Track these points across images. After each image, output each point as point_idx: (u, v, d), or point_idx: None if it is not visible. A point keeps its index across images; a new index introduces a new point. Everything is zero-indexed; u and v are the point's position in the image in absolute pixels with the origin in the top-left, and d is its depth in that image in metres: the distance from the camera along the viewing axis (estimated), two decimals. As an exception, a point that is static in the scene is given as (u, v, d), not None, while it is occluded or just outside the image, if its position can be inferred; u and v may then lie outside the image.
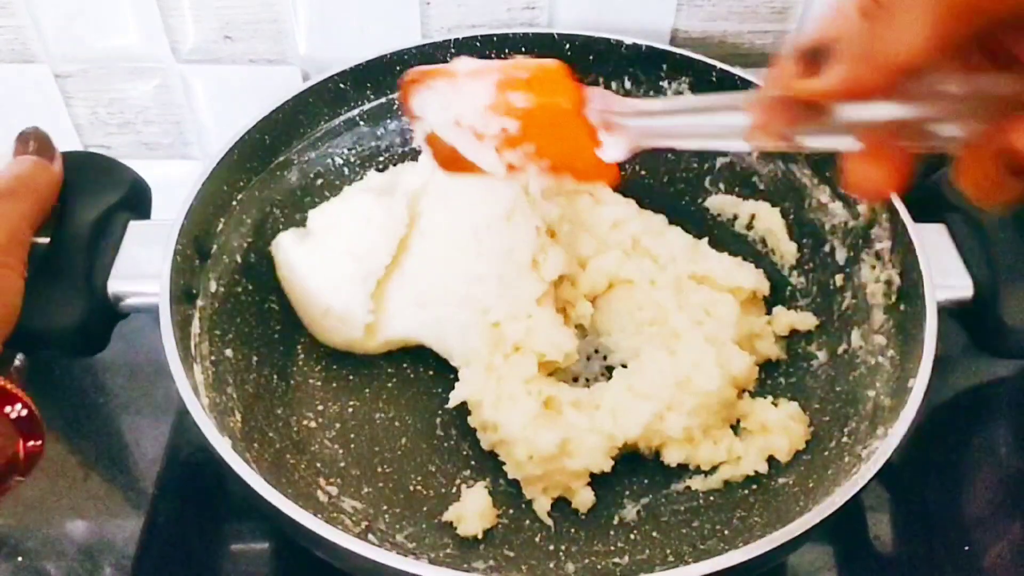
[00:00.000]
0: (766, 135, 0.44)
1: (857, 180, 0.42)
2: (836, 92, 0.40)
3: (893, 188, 0.42)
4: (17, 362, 0.55)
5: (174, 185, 0.64)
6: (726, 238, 0.77)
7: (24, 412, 0.50)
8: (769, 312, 0.72)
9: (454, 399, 0.65)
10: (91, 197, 0.63)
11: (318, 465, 0.64)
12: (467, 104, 0.55)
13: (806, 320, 0.70)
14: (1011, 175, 0.38)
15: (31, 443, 0.51)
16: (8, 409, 0.50)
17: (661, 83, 0.76)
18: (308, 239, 0.69)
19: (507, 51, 0.76)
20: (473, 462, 0.66)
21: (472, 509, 0.61)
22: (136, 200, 0.65)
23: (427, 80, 0.57)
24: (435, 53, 0.75)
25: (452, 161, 0.59)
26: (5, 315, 0.55)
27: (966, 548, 0.65)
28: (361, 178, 0.76)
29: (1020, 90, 0.37)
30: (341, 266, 0.68)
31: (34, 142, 0.61)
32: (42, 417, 0.51)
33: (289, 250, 0.69)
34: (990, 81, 0.39)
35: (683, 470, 0.65)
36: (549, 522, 0.62)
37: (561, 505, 0.63)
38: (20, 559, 0.63)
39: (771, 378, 0.70)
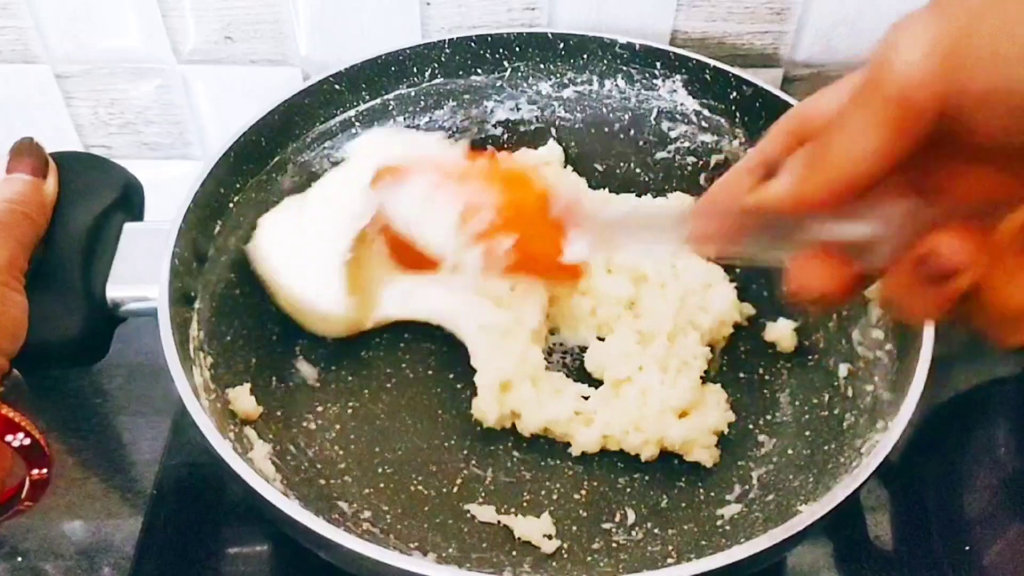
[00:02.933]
0: (705, 243, 0.46)
1: (801, 285, 0.40)
2: (782, 204, 0.39)
3: (836, 297, 0.40)
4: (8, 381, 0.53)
5: (175, 186, 0.63)
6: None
7: (27, 441, 0.48)
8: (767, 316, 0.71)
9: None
10: (84, 199, 0.60)
11: (319, 466, 0.62)
12: (443, 200, 0.56)
13: (789, 337, 0.69)
14: (929, 284, 0.37)
15: (36, 471, 0.50)
16: (10, 438, 0.47)
17: (655, 81, 0.75)
18: (279, 232, 0.66)
19: (501, 51, 0.75)
20: (474, 461, 0.64)
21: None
22: (130, 201, 0.63)
23: (401, 175, 0.58)
24: (429, 53, 0.74)
25: (410, 258, 0.59)
26: (12, 331, 0.53)
27: (966, 548, 0.64)
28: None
29: (941, 215, 0.37)
30: (309, 258, 0.64)
31: (29, 158, 0.59)
32: (49, 446, 0.49)
33: (261, 245, 0.65)
34: (919, 205, 0.39)
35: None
36: (551, 530, 0.61)
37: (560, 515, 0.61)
38: (19, 559, 0.62)
39: (769, 372, 0.69)
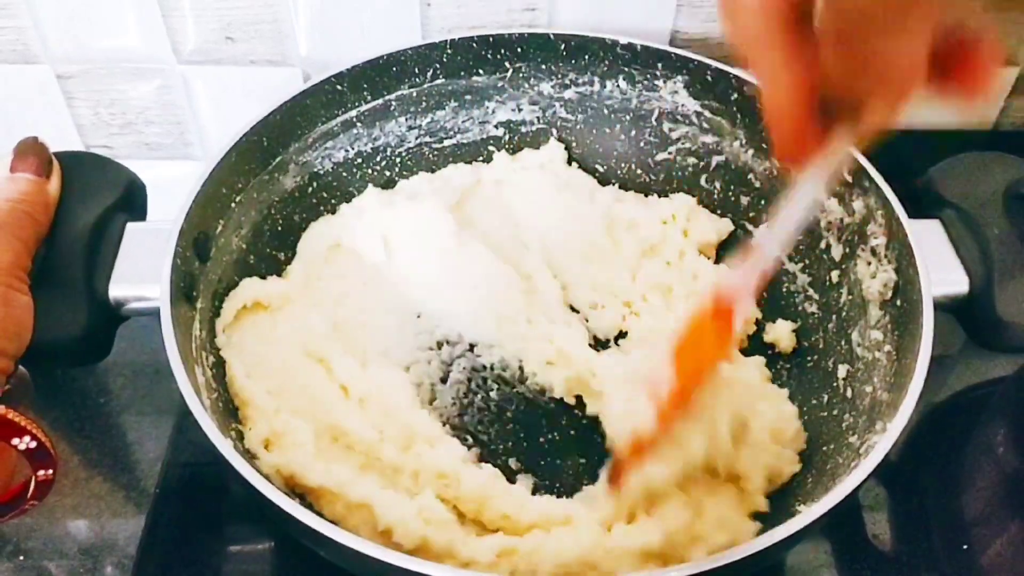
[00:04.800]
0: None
1: None
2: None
3: None
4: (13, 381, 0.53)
5: (176, 186, 0.63)
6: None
7: (33, 444, 0.48)
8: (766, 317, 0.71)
9: None
10: (87, 199, 0.60)
11: (319, 465, 0.62)
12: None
13: (788, 338, 0.69)
14: None
15: (42, 472, 0.50)
16: (16, 441, 0.48)
17: (656, 82, 0.75)
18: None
19: (503, 51, 0.75)
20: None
21: None
22: (132, 200, 0.63)
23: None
24: (431, 54, 0.74)
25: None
26: (17, 332, 0.53)
27: (964, 547, 0.63)
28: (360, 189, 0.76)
29: None
30: None
31: (32, 157, 0.59)
32: (55, 446, 0.49)
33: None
34: None
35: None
36: None
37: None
38: (22, 558, 0.61)
39: (769, 373, 0.68)
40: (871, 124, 0.39)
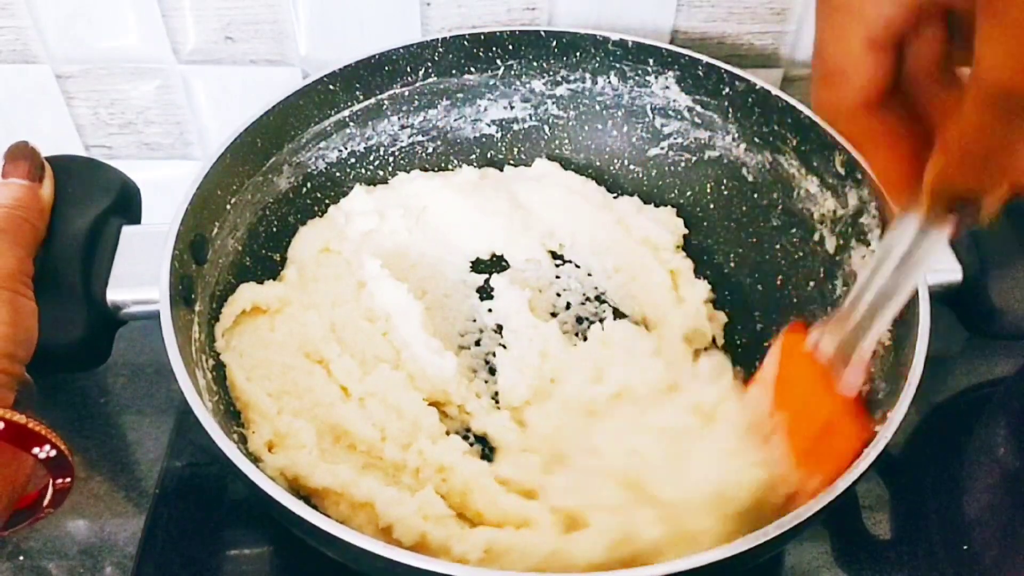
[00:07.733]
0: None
1: None
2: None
3: None
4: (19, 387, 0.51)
5: (176, 186, 0.61)
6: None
7: (53, 453, 0.47)
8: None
9: None
10: (80, 203, 0.58)
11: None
12: None
13: None
14: None
15: (60, 480, 0.49)
16: (36, 450, 0.46)
17: (648, 78, 0.73)
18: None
19: (495, 49, 0.73)
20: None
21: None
22: (127, 204, 0.61)
23: None
24: (423, 52, 0.72)
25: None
26: (27, 339, 0.51)
27: (964, 547, 0.62)
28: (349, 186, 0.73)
29: None
30: None
31: (24, 162, 0.56)
32: (72, 454, 0.48)
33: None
34: None
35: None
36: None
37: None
38: (21, 558, 0.60)
39: (767, 366, 0.66)
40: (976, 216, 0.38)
